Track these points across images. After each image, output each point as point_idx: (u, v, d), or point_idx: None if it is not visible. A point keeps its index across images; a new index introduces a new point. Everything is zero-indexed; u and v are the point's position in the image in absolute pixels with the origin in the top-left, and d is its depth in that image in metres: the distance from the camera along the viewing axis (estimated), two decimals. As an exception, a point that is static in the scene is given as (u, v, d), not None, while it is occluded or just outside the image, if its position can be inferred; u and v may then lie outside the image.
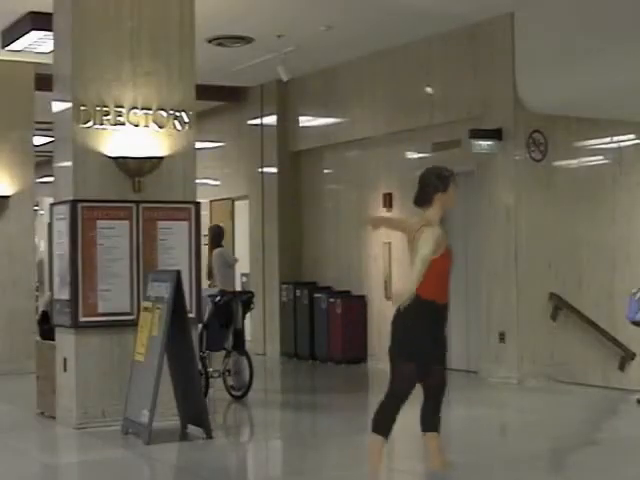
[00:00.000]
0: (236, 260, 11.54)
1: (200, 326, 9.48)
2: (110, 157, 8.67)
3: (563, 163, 11.35)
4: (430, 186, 6.46)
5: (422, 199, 6.48)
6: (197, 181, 9.20)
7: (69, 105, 8.67)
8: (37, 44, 11.00)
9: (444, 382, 6.56)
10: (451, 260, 6.49)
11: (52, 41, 9.34)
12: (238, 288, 14.97)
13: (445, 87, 11.89)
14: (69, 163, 8.68)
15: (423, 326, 6.34)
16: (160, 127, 8.88)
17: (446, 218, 6.46)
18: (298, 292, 13.81)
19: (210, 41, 11.67)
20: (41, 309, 11.08)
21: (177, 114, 8.94)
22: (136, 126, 8.79)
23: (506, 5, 10.69)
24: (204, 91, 10.66)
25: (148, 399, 7.87)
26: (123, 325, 8.62)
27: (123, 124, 8.75)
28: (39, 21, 10.21)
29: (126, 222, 8.71)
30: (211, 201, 16.18)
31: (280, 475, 7.58)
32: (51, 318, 9.28)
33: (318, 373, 12.98)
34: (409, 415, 9.64)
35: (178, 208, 8.92)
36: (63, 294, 8.72)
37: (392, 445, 8.63)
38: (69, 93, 8.68)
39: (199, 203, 9.10)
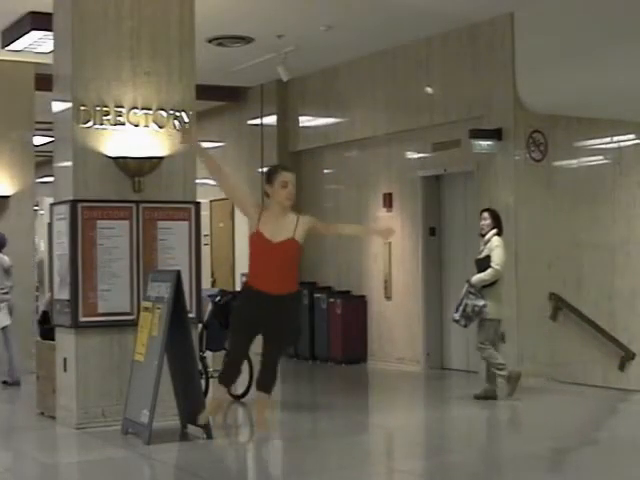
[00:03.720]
0: (11, 265, 11.64)
1: (200, 326, 9.48)
2: (110, 157, 8.67)
3: (563, 163, 11.35)
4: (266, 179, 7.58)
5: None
6: (197, 181, 9.20)
7: (69, 105, 8.68)
8: (37, 44, 11.00)
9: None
10: (262, 244, 7.45)
11: (52, 41, 9.34)
12: (238, 288, 15.00)
13: (445, 87, 11.90)
14: (69, 163, 8.68)
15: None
16: (160, 127, 8.88)
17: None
18: (298, 292, 13.79)
19: (210, 41, 11.68)
20: (41, 309, 11.08)
21: (177, 114, 8.94)
22: (136, 126, 8.80)
23: (506, 5, 10.69)
24: (204, 91, 10.65)
25: (148, 399, 7.87)
26: (123, 325, 8.62)
27: (123, 124, 8.75)
28: (39, 21, 10.22)
29: (126, 222, 8.70)
30: (211, 201, 16.18)
31: (280, 475, 7.57)
32: (51, 318, 9.28)
33: (318, 373, 12.98)
34: (409, 416, 9.66)
35: (178, 208, 8.92)
36: (63, 294, 8.72)
37: (392, 445, 8.66)
38: (69, 93, 8.68)
39: (199, 203, 9.10)
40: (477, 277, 9.83)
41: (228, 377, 7.86)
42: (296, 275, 7.69)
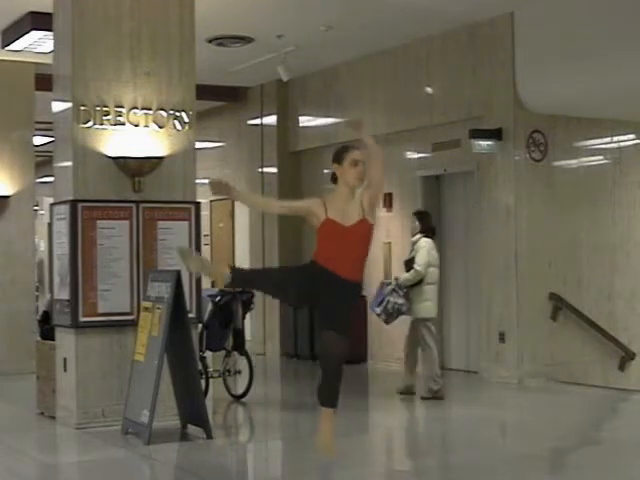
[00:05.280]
0: None
1: (200, 326, 9.48)
2: (110, 157, 8.67)
3: (563, 163, 11.35)
4: (334, 159, 6.52)
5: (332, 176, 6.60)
6: (197, 181, 9.20)
7: (69, 105, 8.68)
8: (37, 44, 11.00)
9: (326, 350, 7.01)
10: (334, 229, 6.39)
11: (52, 41, 9.34)
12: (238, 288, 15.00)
13: (445, 87, 11.89)
14: (69, 163, 8.68)
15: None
16: (160, 127, 8.88)
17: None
18: (298, 292, 13.78)
19: (210, 41, 11.67)
20: (42, 309, 11.09)
21: (177, 114, 8.95)
22: (136, 126, 8.80)
23: (506, 5, 10.69)
24: (204, 91, 10.66)
25: (148, 399, 7.87)
26: (123, 325, 8.62)
27: (123, 124, 8.76)
28: (39, 21, 10.21)
29: (126, 222, 8.71)
30: (211, 201, 16.18)
31: (280, 475, 7.57)
32: (52, 318, 9.28)
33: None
34: (409, 416, 9.66)
35: (178, 208, 8.92)
36: (63, 294, 8.73)
37: (392, 445, 8.66)
38: (69, 93, 8.69)
39: (199, 203, 9.10)
40: (403, 277, 10.12)
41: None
42: (364, 263, 6.62)
